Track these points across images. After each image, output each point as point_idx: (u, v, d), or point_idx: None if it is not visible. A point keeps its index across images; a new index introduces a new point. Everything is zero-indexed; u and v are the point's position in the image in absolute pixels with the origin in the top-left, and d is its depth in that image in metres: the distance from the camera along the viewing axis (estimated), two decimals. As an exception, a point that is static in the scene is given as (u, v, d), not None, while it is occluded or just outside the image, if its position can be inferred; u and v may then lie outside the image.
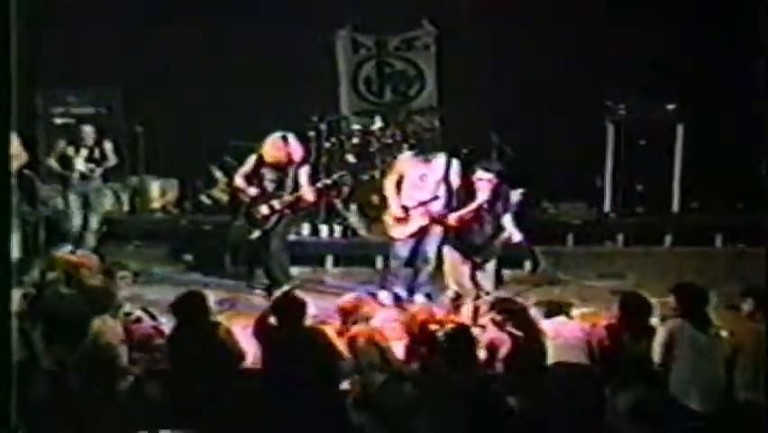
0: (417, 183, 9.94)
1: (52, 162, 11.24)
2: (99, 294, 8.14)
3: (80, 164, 11.12)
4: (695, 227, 12.44)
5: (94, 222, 11.20)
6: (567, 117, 12.22)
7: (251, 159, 10.32)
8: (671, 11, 12.17)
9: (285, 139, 10.21)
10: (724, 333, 7.81)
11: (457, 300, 9.53)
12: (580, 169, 12.62)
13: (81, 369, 7.69)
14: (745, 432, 7.38)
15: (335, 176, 10.64)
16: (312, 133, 12.49)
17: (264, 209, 10.22)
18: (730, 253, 12.01)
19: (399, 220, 9.99)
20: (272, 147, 10.23)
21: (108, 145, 11.27)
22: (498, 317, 8.05)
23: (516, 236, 9.63)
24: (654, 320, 8.11)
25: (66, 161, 11.10)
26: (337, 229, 12.05)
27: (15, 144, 9.90)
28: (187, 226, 12.14)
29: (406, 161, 10.18)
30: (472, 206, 9.58)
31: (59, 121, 12.70)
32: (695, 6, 12.13)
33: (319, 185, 10.34)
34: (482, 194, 9.53)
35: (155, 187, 12.84)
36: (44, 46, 11.53)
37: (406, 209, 9.96)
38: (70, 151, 11.16)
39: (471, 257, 9.70)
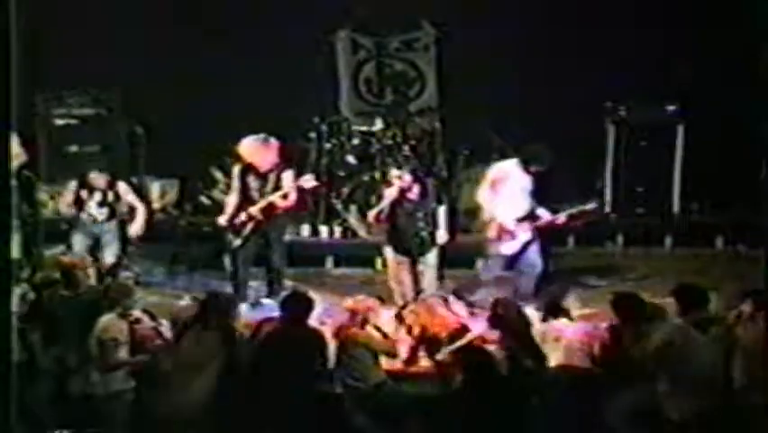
0: (518, 193, 9.86)
1: (63, 208, 10.81)
2: (113, 290, 8.22)
3: (93, 208, 10.63)
4: (695, 228, 12.45)
5: (110, 257, 10.58)
6: (567, 118, 12.18)
7: (236, 171, 10.05)
8: (671, 11, 12.19)
9: (265, 140, 9.96)
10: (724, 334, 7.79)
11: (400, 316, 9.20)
12: (581, 169, 12.54)
13: (84, 367, 7.77)
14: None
15: (303, 180, 10.12)
16: (312, 134, 12.55)
17: (241, 216, 9.98)
18: (730, 254, 12.02)
19: (506, 234, 9.87)
20: (251, 150, 9.94)
21: (122, 187, 10.74)
22: (494, 318, 8.11)
23: (441, 237, 9.69)
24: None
25: (78, 203, 10.66)
26: (337, 230, 12.09)
27: (14, 144, 9.74)
28: (186, 227, 12.11)
29: (505, 170, 10.01)
30: (383, 204, 9.80)
31: (59, 122, 12.69)
32: (695, 6, 12.16)
33: (288, 190, 9.96)
34: (389, 192, 9.77)
35: (155, 188, 12.82)
36: (44, 47, 11.52)
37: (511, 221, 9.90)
38: (83, 194, 10.67)
39: (409, 255, 9.80)
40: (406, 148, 12.37)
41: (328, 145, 12.57)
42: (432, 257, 9.89)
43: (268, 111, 12.11)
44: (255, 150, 9.88)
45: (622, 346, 7.83)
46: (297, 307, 8.00)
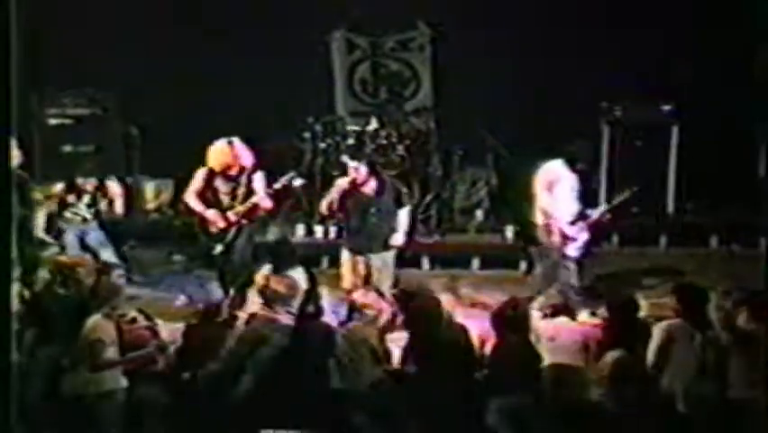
0: (569, 193, 9.75)
1: (40, 223, 10.67)
2: (102, 289, 8.19)
3: (83, 210, 10.71)
4: (690, 228, 12.44)
5: (106, 256, 10.52)
6: (562, 118, 12.09)
7: (200, 173, 9.80)
8: (666, 11, 12.14)
9: (231, 144, 9.71)
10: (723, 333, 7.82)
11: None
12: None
13: (75, 368, 7.76)
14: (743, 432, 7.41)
15: (284, 178, 9.96)
16: (307, 134, 12.58)
17: (220, 222, 9.76)
18: (725, 254, 12.01)
19: (568, 236, 9.78)
20: (218, 153, 9.72)
21: (112, 185, 10.85)
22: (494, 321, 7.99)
23: (397, 239, 9.65)
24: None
25: (65, 207, 10.67)
26: (333, 230, 11.94)
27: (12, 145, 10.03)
28: (181, 227, 11.95)
29: (556, 171, 9.87)
30: (331, 193, 9.72)
31: (53, 122, 12.67)
32: (692, 6, 12.13)
33: (269, 190, 9.79)
34: (340, 182, 9.67)
35: (150, 188, 12.86)
36: (42, 47, 11.33)
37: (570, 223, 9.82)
38: (71, 198, 10.71)
39: (359, 253, 9.72)
40: (400, 148, 12.35)
41: (323, 145, 12.57)
42: (388, 257, 9.78)
43: (262, 111, 12.25)
44: (224, 153, 9.68)
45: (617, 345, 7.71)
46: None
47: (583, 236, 9.79)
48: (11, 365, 4.43)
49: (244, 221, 9.77)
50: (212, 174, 9.73)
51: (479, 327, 8.14)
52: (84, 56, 12.20)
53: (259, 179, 9.73)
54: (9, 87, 4.29)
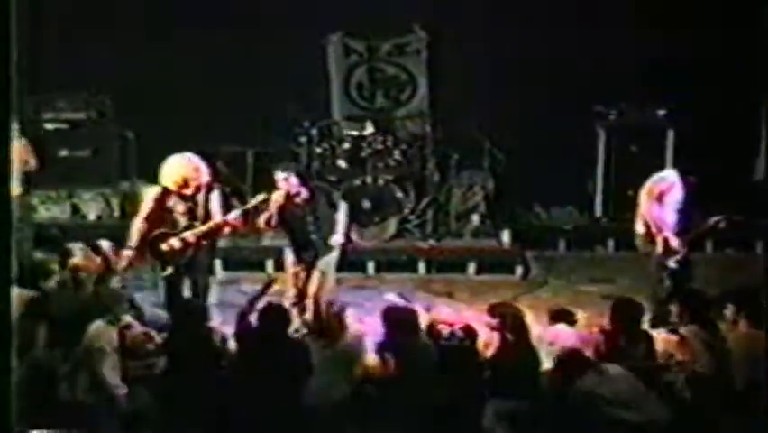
0: (678, 204, 9.61)
1: None
2: (104, 295, 8.29)
3: None
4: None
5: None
6: (558, 122, 12.18)
7: (152, 193, 9.22)
8: (662, 13, 12.09)
9: (188, 159, 9.19)
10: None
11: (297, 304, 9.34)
12: (571, 173, 12.62)
13: (73, 375, 7.82)
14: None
15: (254, 200, 9.51)
16: (303, 139, 12.57)
17: (176, 243, 9.12)
18: (720, 258, 11.99)
19: (673, 249, 9.55)
20: (174, 170, 9.12)
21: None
22: (494, 321, 8.04)
23: (336, 240, 9.51)
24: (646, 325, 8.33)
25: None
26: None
27: (24, 150, 9.99)
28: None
29: (668, 180, 9.73)
30: (270, 209, 9.44)
31: (49, 126, 12.63)
32: (689, 9, 12.08)
33: (237, 213, 9.20)
34: (276, 196, 9.43)
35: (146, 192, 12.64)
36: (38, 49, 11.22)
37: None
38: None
39: (303, 261, 9.55)
40: (396, 152, 12.42)
41: (318, 149, 12.56)
42: (331, 259, 9.56)
43: (259, 115, 12.28)
44: (181, 169, 9.11)
45: (617, 351, 7.90)
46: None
47: (683, 249, 9.63)
48: (10, 367, 4.43)
49: (204, 242, 9.28)
50: (166, 193, 9.18)
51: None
52: (79, 58, 12.16)
53: (216, 198, 9.21)
54: (9, 88, 4.26)
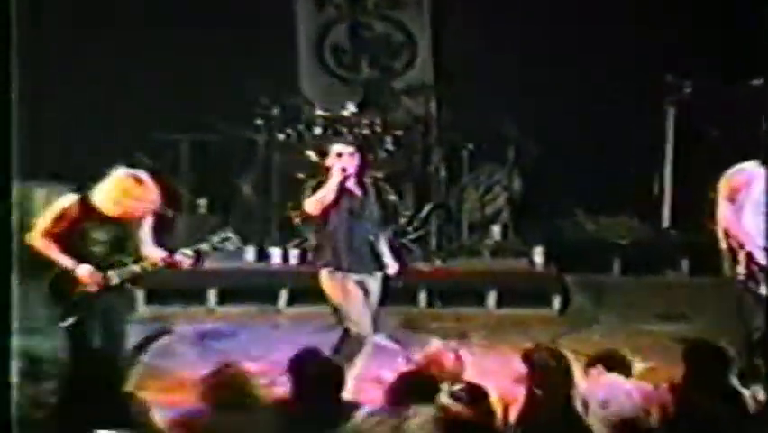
0: (758, 206, 8.37)
1: None
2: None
3: None
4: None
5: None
6: (610, 100, 11.20)
7: (64, 205, 7.70)
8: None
9: (139, 181, 7.73)
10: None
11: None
12: (629, 170, 11.53)
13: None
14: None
15: (216, 238, 8.08)
16: (260, 122, 11.29)
17: (92, 286, 7.72)
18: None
19: (758, 267, 8.36)
20: (118, 191, 7.68)
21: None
22: (523, 370, 6.75)
23: (392, 266, 8.50)
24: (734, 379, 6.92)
25: None
26: (294, 253, 10.76)
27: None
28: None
29: (747, 172, 8.44)
30: (327, 188, 8.12)
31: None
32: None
33: (188, 252, 7.80)
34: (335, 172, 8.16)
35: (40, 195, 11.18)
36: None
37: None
38: None
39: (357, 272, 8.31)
40: (388, 139, 11.17)
41: (282, 136, 11.29)
42: (376, 283, 8.47)
43: (205, 93, 11.27)
44: (128, 192, 7.69)
45: (691, 412, 6.45)
46: None
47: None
48: (10, 366, 4.91)
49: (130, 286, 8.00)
50: (86, 211, 7.72)
51: (498, 387, 6.98)
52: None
53: (147, 225, 7.94)
54: (9, 88, 4.68)
